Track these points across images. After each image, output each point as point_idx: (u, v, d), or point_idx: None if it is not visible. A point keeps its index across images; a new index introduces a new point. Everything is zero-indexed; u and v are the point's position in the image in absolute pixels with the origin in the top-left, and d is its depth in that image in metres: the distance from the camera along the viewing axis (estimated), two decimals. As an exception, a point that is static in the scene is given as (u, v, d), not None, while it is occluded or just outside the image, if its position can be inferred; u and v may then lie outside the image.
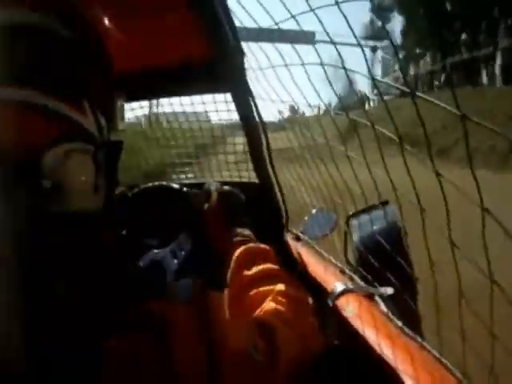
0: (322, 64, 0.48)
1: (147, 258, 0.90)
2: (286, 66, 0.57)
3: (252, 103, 0.91)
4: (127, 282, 0.43)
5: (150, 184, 1.05)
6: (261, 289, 0.59)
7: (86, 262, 0.35)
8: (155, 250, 0.91)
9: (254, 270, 0.64)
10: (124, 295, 0.39)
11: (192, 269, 0.46)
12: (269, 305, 0.54)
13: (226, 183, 1.35)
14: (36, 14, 0.35)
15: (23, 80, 0.32)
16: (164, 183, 1.04)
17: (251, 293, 0.60)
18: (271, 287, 0.59)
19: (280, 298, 0.56)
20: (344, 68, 0.46)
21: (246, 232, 0.92)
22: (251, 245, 0.72)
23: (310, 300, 0.59)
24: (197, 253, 0.88)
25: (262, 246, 0.72)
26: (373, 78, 0.42)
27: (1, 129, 0.31)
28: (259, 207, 1.08)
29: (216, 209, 0.87)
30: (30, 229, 0.31)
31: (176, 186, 0.98)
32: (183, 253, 0.89)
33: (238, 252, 0.70)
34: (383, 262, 0.71)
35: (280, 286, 0.59)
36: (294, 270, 1.04)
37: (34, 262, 0.31)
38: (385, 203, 0.93)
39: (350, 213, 1.01)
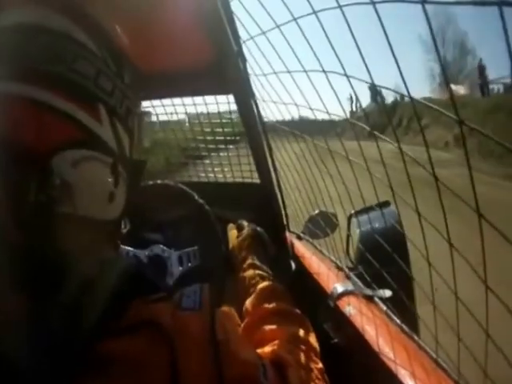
0: (324, 71, 0.49)
1: (152, 250, 0.92)
2: (288, 72, 0.58)
3: (254, 104, 0.92)
4: (124, 279, 0.40)
5: (159, 181, 1.07)
6: (276, 326, 0.60)
7: (83, 263, 0.35)
8: (161, 246, 0.93)
9: (275, 305, 0.65)
10: (120, 291, 0.37)
11: (193, 281, 0.45)
12: (284, 344, 0.54)
13: (228, 184, 1.37)
14: (54, 15, 0.36)
15: (40, 79, 0.33)
16: (172, 182, 1.06)
17: (267, 327, 0.60)
18: (286, 328, 0.60)
19: (295, 342, 0.56)
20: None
21: (258, 228, 0.94)
22: (276, 283, 0.74)
23: (317, 345, 0.60)
24: (203, 270, 0.91)
25: (283, 287, 0.74)
26: (374, 84, 0.43)
27: (13, 123, 0.32)
28: (260, 207, 1.09)
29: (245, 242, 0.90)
30: (34, 224, 0.32)
31: (186, 188, 0.99)
32: (190, 264, 0.92)
33: (263, 284, 0.72)
34: (383, 260, 0.71)
35: (296, 329, 0.60)
36: (294, 269, 1.05)
37: (32, 256, 0.32)
38: (385, 204, 0.94)
39: (352, 211, 1.02)
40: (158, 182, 1.08)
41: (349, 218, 1.08)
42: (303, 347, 0.55)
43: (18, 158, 0.32)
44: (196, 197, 0.98)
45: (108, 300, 0.35)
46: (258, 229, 0.94)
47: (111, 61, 0.40)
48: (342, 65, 0.46)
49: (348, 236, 1.07)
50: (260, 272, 0.77)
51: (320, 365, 0.54)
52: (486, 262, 0.39)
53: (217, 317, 0.40)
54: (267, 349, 0.52)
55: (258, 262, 0.81)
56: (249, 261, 0.82)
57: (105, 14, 0.43)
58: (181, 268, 0.92)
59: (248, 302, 0.69)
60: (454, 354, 0.50)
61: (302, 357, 0.53)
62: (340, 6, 0.41)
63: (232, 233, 0.95)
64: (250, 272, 0.78)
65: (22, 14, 0.35)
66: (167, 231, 0.99)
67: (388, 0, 0.37)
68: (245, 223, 0.97)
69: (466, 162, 0.37)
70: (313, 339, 0.59)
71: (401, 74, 0.42)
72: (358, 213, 1.02)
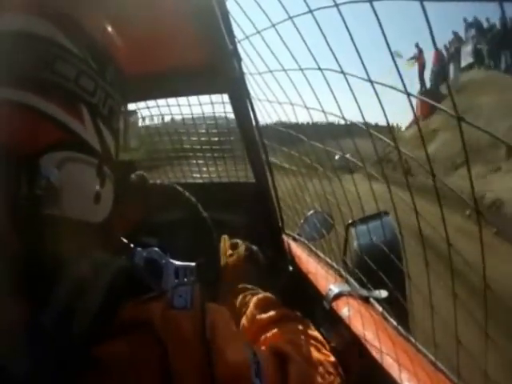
0: (320, 68, 0.48)
1: (149, 254, 0.90)
2: (284, 70, 0.57)
3: (249, 104, 0.91)
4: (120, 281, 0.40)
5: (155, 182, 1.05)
6: (278, 330, 0.59)
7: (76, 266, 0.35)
8: (158, 250, 0.91)
9: (271, 313, 0.65)
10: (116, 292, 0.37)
11: None
12: (287, 337, 0.54)
13: (224, 184, 1.36)
14: (35, 19, 0.37)
15: (24, 83, 0.34)
16: (169, 184, 1.04)
17: (269, 334, 0.60)
18: (289, 327, 0.59)
19: (300, 335, 0.56)
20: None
21: (254, 247, 0.92)
22: (268, 294, 0.74)
23: (324, 341, 0.59)
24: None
25: (276, 299, 0.73)
26: (371, 81, 0.42)
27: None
28: (256, 208, 1.08)
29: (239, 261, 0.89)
30: (24, 225, 0.32)
31: (184, 192, 0.97)
32: (186, 279, 0.90)
33: (257, 297, 0.71)
34: (380, 270, 0.71)
35: (300, 326, 0.59)
36: (290, 271, 1.04)
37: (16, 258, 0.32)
38: (383, 214, 0.94)
39: (350, 221, 1.02)
40: (154, 182, 1.07)
41: (346, 228, 1.08)
42: (310, 341, 0.54)
43: (7, 159, 0.32)
44: (192, 199, 0.97)
45: (100, 304, 0.35)
46: (253, 247, 0.93)
47: (93, 61, 0.40)
48: (337, 62, 0.45)
49: (345, 245, 1.06)
50: (252, 291, 0.77)
51: (332, 358, 0.53)
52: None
53: (208, 315, 0.40)
54: (269, 343, 0.51)
55: (249, 286, 0.80)
56: (241, 286, 0.81)
57: (95, 14, 0.43)
58: (176, 281, 0.91)
59: (244, 319, 0.68)
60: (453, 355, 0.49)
61: (308, 350, 0.51)
62: (337, 5, 0.40)
63: (224, 247, 0.93)
64: (241, 295, 0.77)
65: (4, 20, 0.36)
66: (163, 235, 0.98)
67: (385, -2, 0.36)
68: (239, 242, 0.95)
69: (466, 161, 0.36)
70: (319, 335, 0.59)
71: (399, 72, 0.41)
72: (355, 223, 1.02)
